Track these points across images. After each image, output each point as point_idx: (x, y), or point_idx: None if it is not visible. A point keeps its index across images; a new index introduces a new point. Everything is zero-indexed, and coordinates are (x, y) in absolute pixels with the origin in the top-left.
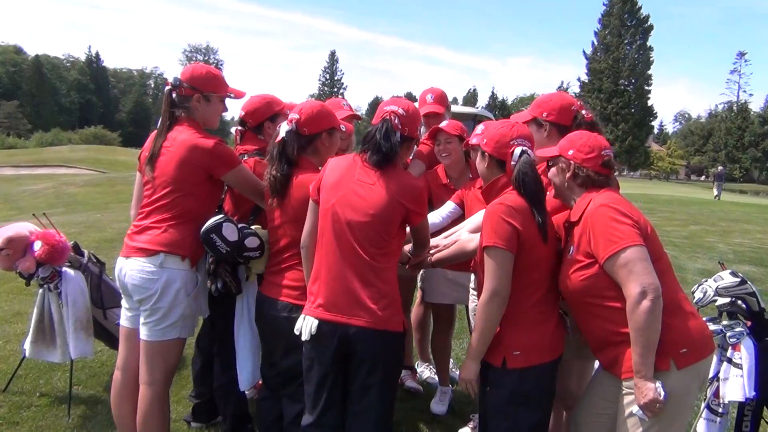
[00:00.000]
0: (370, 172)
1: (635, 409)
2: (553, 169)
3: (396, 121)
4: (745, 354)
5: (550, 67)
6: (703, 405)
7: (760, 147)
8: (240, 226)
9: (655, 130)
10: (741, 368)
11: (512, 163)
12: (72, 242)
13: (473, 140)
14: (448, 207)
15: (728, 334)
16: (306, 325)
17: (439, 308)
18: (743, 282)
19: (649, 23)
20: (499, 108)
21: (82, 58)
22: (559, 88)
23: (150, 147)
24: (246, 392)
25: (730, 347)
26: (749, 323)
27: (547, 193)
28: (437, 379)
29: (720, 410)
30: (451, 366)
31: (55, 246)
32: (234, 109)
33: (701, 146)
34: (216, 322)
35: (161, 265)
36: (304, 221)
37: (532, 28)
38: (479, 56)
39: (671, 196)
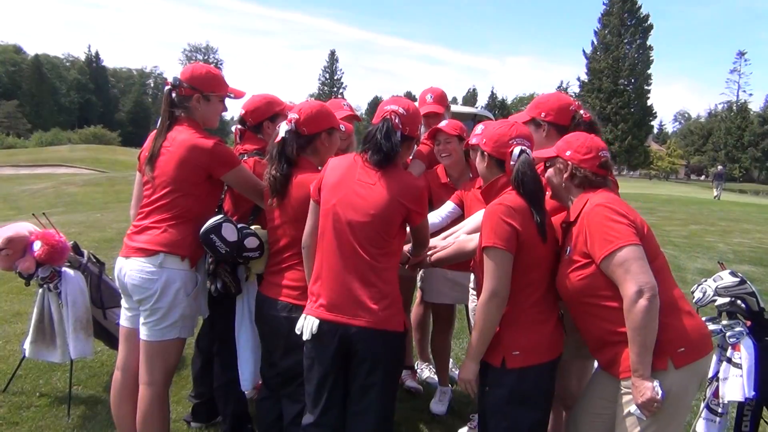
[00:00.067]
0: (370, 171)
1: (633, 408)
2: (550, 170)
3: (396, 121)
4: (744, 354)
5: (550, 67)
6: (702, 405)
7: (759, 147)
8: (239, 226)
9: (655, 130)
10: (740, 368)
11: (511, 162)
12: (72, 242)
13: (473, 140)
14: (448, 207)
15: (728, 333)
16: (307, 325)
17: (439, 308)
18: (743, 282)
19: (648, 23)
20: (499, 107)
21: (82, 57)
22: (559, 87)
23: (150, 147)
24: (245, 392)
25: (729, 347)
26: (749, 323)
27: (546, 193)
28: (437, 378)
29: (719, 410)
30: (450, 366)
31: (55, 246)
32: (234, 109)
33: (701, 146)
34: (216, 322)
35: (161, 265)
36: (303, 221)
37: (531, 27)
38: (479, 56)
39: (671, 196)
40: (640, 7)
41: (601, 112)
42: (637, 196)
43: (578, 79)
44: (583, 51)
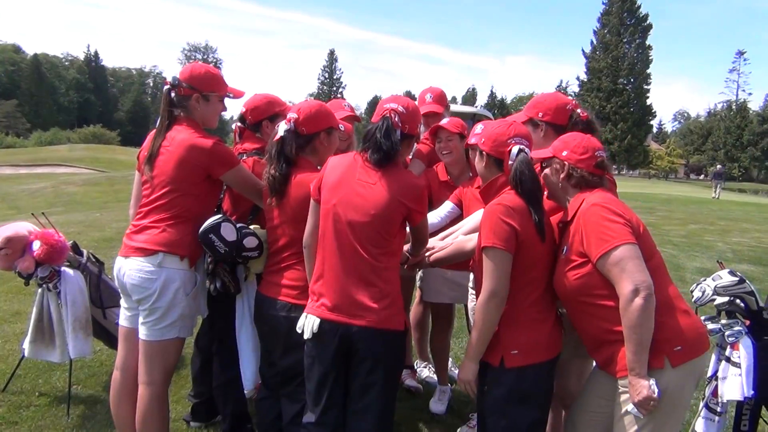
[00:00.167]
0: (371, 171)
1: (630, 407)
2: (547, 170)
3: (396, 119)
4: (743, 353)
5: (549, 66)
6: (701, 404)
7: (759, 146)
8: (238, 225)
9: (654, 129)
10: (739, 367)
11: (510, 162)
12: (71, 242)
13: (471, 140)
14: (447, 207)
15: (727, 333)
16: (308, 324)
17: (438, 308)
18: (742, 281)
19: (648, 22)
20: (498, 107)
21: (81, 57)
22: (558, 87)
23: (149, 146)
24: (245, 392)
25: (728, 346)
26: (748, 322)
27: (543, 193)
28: (436, 378)
29: (718, 409)
30: (450, 365)
31: (54, 245)
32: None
33: (700, 145)
34: (215, 321)
35: (160, 264)
36: (302, 221)
37: (531, 27)
38: (478, 55)
39: (670, 195)
40: (639, 7)
41: (601, 112)
42: (636, 196)
43: (578, 78)
44: (583, 50)
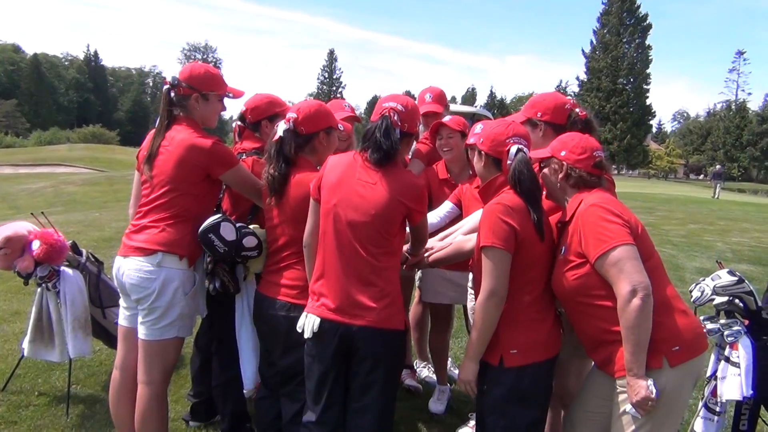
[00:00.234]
0: (370, 170)
1: (628, 407)
2: (545, 170)
3: (395, 118)
4: (742, 353)
5: (549, 66)
6: (700, 404)
7: (758, 146)
8: (238, 225)
9: (654, 129)
10: (738, 367)
11: (508, 162)
12: (70, 241)
13: (470, 140)
14: (446, 207)
15: (726, 332)
16: (308, 323)
17: (437, 308)
18: (741, 281)
19: (647, 22)
20: (498, 107)
21: (81, 56)
22: (558, 86)
23: (148, 146)
24: (245, 391)
25: (727, 346)
26: (747, 322)
27: (542, 192)
28: (435, 378)
29: (717, 409)
30: (449, 365)
31: (54, 245)
32: (233, 109)
33: (700, 145)
34: (214, 321)
35: (159, 264)
36: (302, 220)
37: (531, 26)
38: (478, 55)
39: (670, 195)
40: (638, 7)
41: (600, 111)
42: (635, 195)
43: (577, 78)
44: (582, 50)
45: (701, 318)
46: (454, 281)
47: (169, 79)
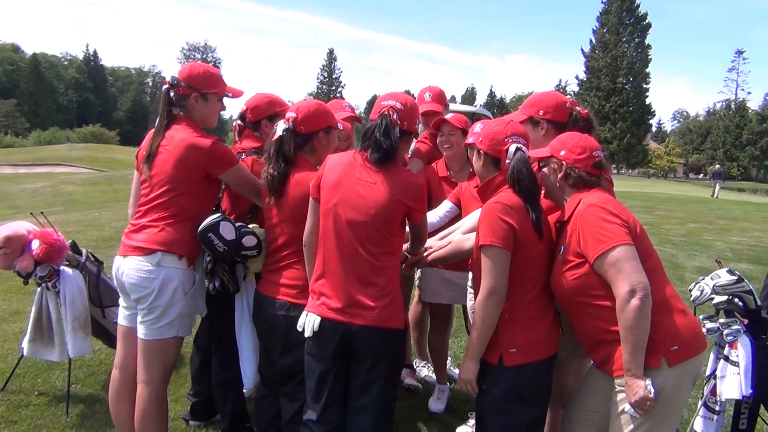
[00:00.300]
0: (370, 170)
1: (627, 406)
2: (544, 170)
3: (395, 117)
4: (742, 352)
5: (549, 65)
6: (700, 403)
7: (758, 145)
8: (237, 224)
9: (654, 128)
10: (738, 366)
11: (507, 161)
12: (70, 241)
13: (469, 139)
14: (446, 206)
15: (725, 332)
16: (308, 322)
17: (436, 308)
18: (740, 280)
19: (647, 21)
20: (498, 106)
21: (80, 56)
22: (558, 86)
23: (147, 146)
24: (244, 390)
25: (727, 345)
26: (746, 321)
27: (540, 191)
28: (435, 377)
29: (717, 408)
30: (449, 364)
31: (53, 245)
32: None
33: (699, 144)
34: (214, 320)
35: (158, 263)
36: (301, 220)
37: (530, 26)
38: (478, 54)
39: (669, 194)
40: (638, 6)
41: (600, 111)
42: (635, 194)
43: (577, 77)
44: (582, 50)
45: (701, 317)
46: (453, 281)
47: (168, 78)
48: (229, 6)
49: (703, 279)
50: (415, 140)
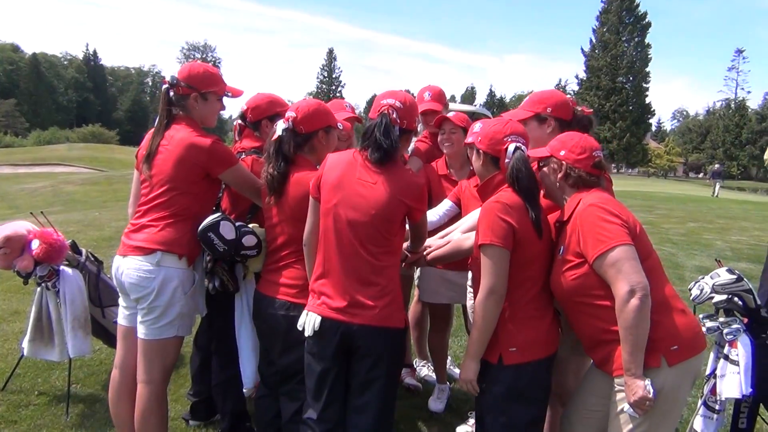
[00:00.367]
0: (371, 170)
1: (626, 406)
2: (544, 170)
3: (394, 115)
4: (741, 351)
5: (549, 65)
6: (699, 402)
7: (757, 144)
8: (237, 224)
9: (653, 128)
10: (738, 365)
11: (506, 160)
12: (70, 241)
13: (469, 139)
14: (446, 205)
15: (725, 331)
16: (309, 321)
17: (436, 307)
18: (740, 279)
19: (647, 20)
20: (497, 106)
21: (80, 56)
22: (557, 85)
23: (147, 145)
24: (244, 390)
25: (726, 344)
26: (746, 320)
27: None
28: (435, 376)
29: (717, 407)
30: (449, 364)
31: (53, 244)
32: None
33: (699, 143)
34: (214, 320)
35: (158, 263)
36: (301, 219)
37: (530, 25)
38: (477, 53)
39: (669, 194)
40: (638, 5)
41: (600, 110)
42: (635, 194)
43: (576, 76)
44: (582, 49)
45: (700, 316)
46: (452, 281)
47: (168, 78)
48: (229, 5)
49: (703, 278)
50: (414, 139)
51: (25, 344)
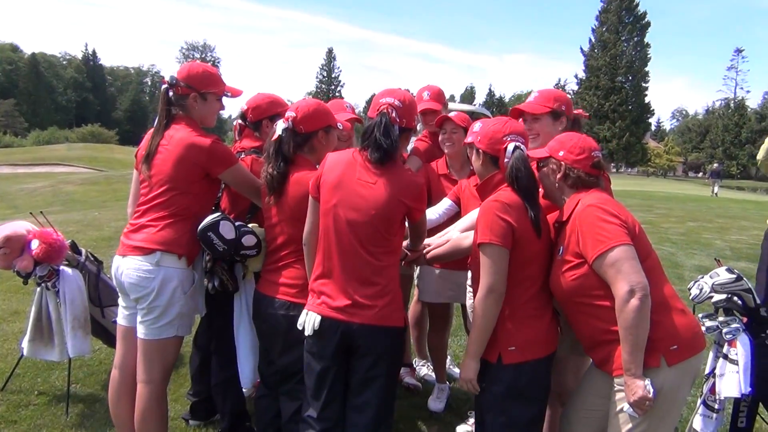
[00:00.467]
0: (370, 170)
1: (626, 406)
2: (543, 170)
3: (393, 115)
4: (740, 350)
5: (548, 64)
6: (699, 401)
7: (757, 144)
8: (237, 224)
9: (653, 127)
10: (737, 364)
11: (506, 159)
12: (69, 241)
13: (468, 138)
14: (445, 204)
15: (724, 330)
16: (309, 321)
17: (436, 307)
18: (739, 278)
19: (646, 20)
20: (497, 105)
21: (79, 56)
22: (557, 84)
23: (146, 145)
24: (244, 390)
25: (726, 343)
26: (745, 319)
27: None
28: (434, 376)
29: (716, 406)
30: (448, 363)
31: (53, 244)
32: (232, 108)
33: (698, 143)
34: (213, 320)
35: (158, 263)
36: (301, 219)
37: (529, 25)
38: (477, 53)
39: (669, 193)
40: (637, 5)
41: (599, 110)
42: (634, 193)
43: (576, 76)
44: (581, 48)
45: (700, 315)
46: (452, 281)
47: (167, 78)
48: (229, 5)
49: (703, 277)
50: (414, 138)
51: (25, 344)
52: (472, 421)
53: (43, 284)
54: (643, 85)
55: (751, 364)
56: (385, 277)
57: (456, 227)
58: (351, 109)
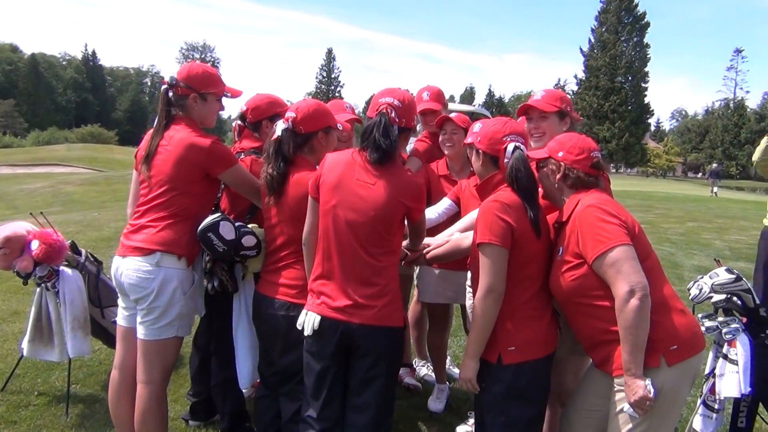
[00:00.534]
0: (370, 170)
1: (626, 406)
2: (543, 170)
3: (393, 114)
4: (740, 350)
5: (548, 64)
6: (699, 401)
7: (756, 144)
8: (237, 224)
9: (652, 128)
10: (736, 364)
11: (505, 159)
12: (69, 241)
13: (468, 139)
14: (445, 203)
15: (724, 330)
16: (308, 321)
17: (435, 307)
18: (738, 279)
19: (645, 20)
20: (497, 105)
21: (79, 56)
22: (556, 85)
23: (146, 146)
24: (243, 390)
25: (725, 343)
26: (745, 319)
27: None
28: (434, 376)
29: (716, 406)
30: (448, 363)
31: (53, 245)
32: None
33: (698, 143)
34: (213, 320)
35: (157, 264)
36: (300, 219)
37: (529, 25)
38: (476, 53)
39: (668, 193)
40: (636, 5)
41: (599, 110)
42: (634, 194)
43: (575, 76)
44: (581, 49)
45: (699, 316)
46: (451, 281)
47: (167, 78)
48: (228, 5)
49: (702, 278)
50: (413, 139)
51: (25, 344)
52: (471, 421)
53: (42, 285)
54: (643, 85)
55: (750, 364)
56: (385, 277)
57: (456, 227)
58: (351, 110)
